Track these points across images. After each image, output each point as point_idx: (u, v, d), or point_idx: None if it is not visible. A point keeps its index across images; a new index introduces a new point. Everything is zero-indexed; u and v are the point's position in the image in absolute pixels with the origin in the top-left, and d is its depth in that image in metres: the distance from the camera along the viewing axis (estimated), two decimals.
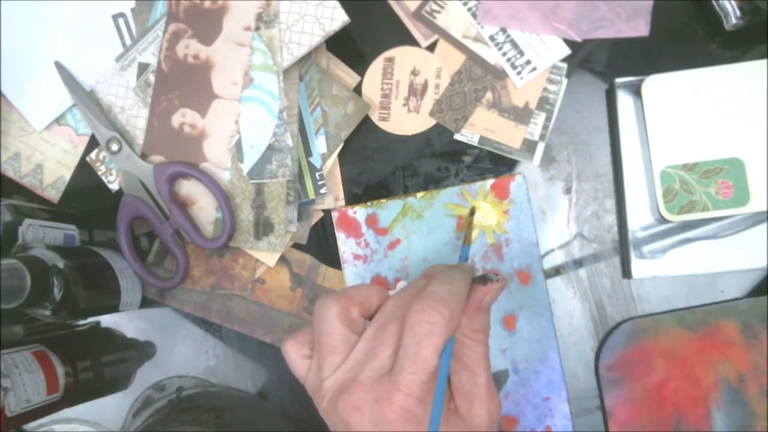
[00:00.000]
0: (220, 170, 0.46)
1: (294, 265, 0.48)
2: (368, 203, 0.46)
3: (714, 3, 0.45)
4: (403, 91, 0.48)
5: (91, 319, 0.50)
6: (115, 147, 0.47)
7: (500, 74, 0.47)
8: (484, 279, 0.32)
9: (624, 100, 0.46)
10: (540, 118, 0.47)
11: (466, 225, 0.44)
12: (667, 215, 0.44)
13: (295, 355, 0.33)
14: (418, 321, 0.29)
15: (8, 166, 0.51)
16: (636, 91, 0.45)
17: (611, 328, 0.46)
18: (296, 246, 0.48)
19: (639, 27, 0.46)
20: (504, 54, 0.47)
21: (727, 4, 0.44)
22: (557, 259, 0.47)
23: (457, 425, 0.31)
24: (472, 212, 0.45)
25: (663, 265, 0.45)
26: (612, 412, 0.44)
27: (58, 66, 0.49)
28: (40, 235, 0.44)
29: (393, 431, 0.28)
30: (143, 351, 0.50)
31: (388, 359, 0.30)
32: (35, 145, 0.51)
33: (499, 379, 0.45)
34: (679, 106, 0.44)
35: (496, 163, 0.48)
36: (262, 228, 0.46)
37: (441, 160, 0.48)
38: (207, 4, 0.46)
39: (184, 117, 0.47)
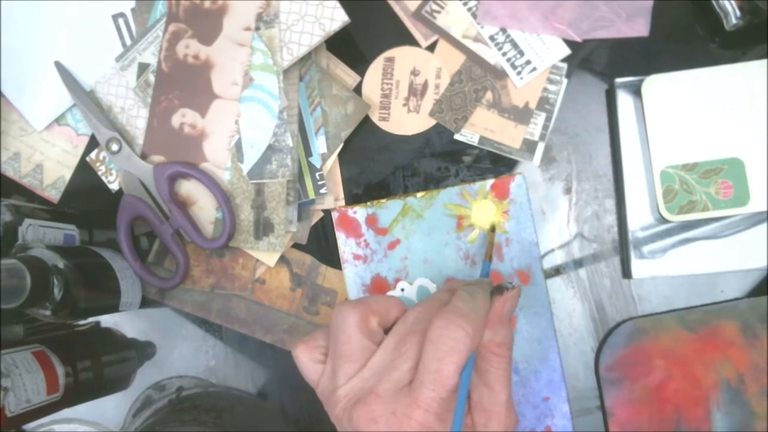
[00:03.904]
0: (220, 170, 0.46)
1: (294, 265, 0.48)
2: (368, 203, 0.46)
3: (714, 3, 0.45)
4: (403, 91, 0.48)
5: (91, 319, 0.50)
6: (115, 147, 0.47)
7: (500, 74, 0.47)
8: (500, 289, 0.32)
9: (624, 100, 0.46)
10: (540, 118, 0.47)
11: (487, 242, 0.44)
12: (667, 215, 0.44)
13: (307, 359, 0.33)
14: (441, 336, 0.29)
15: (8, 166, 0.51)
16: (636, 91, 0.45)
17: (611, 328, 0.46)
18: (296, 246, 0.48)
19: (639, 27, 0.46)
20: (504, 54, 0.47)
21: (727, 4, 0.44)
22: (557, 259, 0.47)
23: None
24: (493, 229, 0.45)
25: (663, 265, 0.45)
26: (612, 412, 0.44)
27: (58, 66, 0.49)
28: (40, 235, 0.44)
29: None
30: (143, 351, 0.50)
31: (407, 372, 0.29)
32: (35, 145, 0.51)
33: None
34: (679, 106, 0.44)
35: (496, 163, 0.48)
36: (262, 228, 0.46)
37: (441, 160, 0.48)
38: (207, 4, 0.46)
39: (184, 117, 0.47)
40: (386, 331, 0.33)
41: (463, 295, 0.31)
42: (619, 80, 0.46)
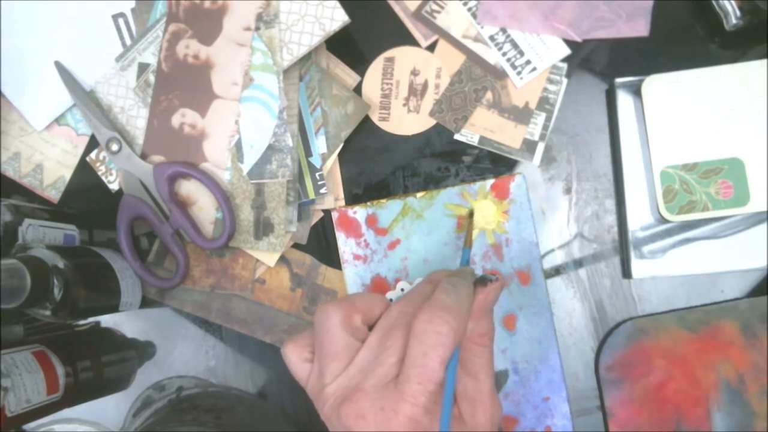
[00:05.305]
0: (220, 170, 0.46)
1: (294, 265, 0.48)
2: (368, 203, 0.46)
3: (714, 3, 0.45)
4: (403, 91, 0.48)
5: (91, 319, 0.50)
6: (115, 147, 0.47)
7: (500, 74, 0.47)
8: (483, 281, 0.33)
9: (624, 100, 0.46)
10: (540, 118, 0.47)
11: (465, 227, 0.44)
12: (667, 215, 0.44)
13: (296, 358, 0.33)
14: (426, 330, 0.29)
15: (8, 166, 0.51)
16: (636, 91, 0.45)
17: (611, 328, 0.46)
18: (296, 246, 0.48)
19: (639, 27, 0.46)
20: (504, 54, 0.47)
21: (727, 4, 0.44)
22: (557, 259, 0.47)
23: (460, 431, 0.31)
24: (471, 214, 0.45)
25: (663, 265, 0.45)
26: (612, 412, 0.44)
27: (58, 66, 0.49)
28: (40, 235, 0.44)
29: None
30: (143, 351, 0.50)
31: (392, 367, 0.30)
32: (35, 145, 0.51)
33: (498, 380, 0.45)
34: (679, 106, 0.44)
35: (496, 163, 0.48)
36: (262, 228, 0.46)
37: (441, 160, 0.48)
38: (207, 4, 0.46)
39: (184, 117, 0.47)
40: (371, 327, 0.33)
41: (446, 287, 0.31)
42: (619, 80, 0.46)
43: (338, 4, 0.44)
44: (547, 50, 0.47)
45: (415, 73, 0.48)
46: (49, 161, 0.51)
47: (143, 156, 0.47)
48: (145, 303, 0.49)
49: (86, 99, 0.48)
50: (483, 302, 0.32)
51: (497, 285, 0.33)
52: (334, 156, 0.47)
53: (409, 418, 0.28)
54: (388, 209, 0.46)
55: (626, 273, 0.46)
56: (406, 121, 0.48)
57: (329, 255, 0.48)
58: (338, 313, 0.32)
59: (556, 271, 0.47)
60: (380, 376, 0.29)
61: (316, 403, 0.32)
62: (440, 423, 0.28)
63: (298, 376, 0.33)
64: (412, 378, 0.28)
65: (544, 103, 0.47)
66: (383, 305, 0.34)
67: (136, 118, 0.48)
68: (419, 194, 0.46)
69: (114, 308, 0.46)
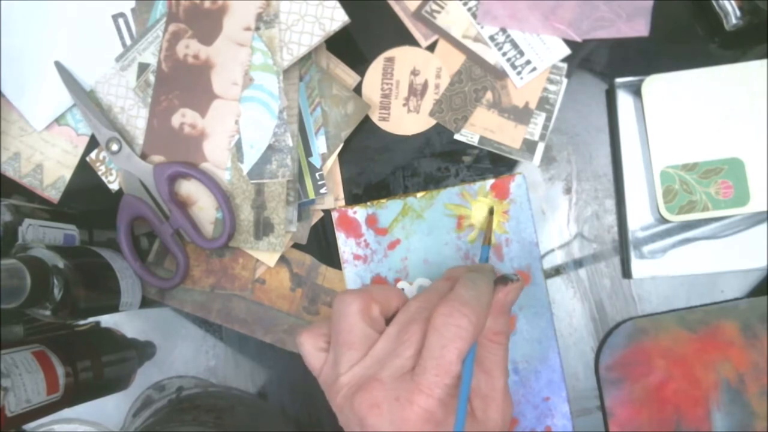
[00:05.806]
0: (220, 170, 0.46)
1: (294, 265, 0.48)
2: (368, 203, 0.46)
3: (714, 3, 0.45)
4: (403, 91, 0.48)
5: (91, 319, 0.50)
6: (115, 147, 0.47)
7: (500, 74, 0.47)
8: (504, 280, 0.33)
9: (624, 100, 0.46)
10: (540, 118, 0.47)
11: (485, 225, 0.44)
12: (667, 215, 0.44)
13: (311, 347, 0.33)
14: (445, 324, 0.29)
15: (8, 166, 0.51)
16: (636, 91, 0.45)
17: (611, 328, 0.46)
18: (296, 246, 0.48)
19: (639, 27, 0.46)
20: (504, 54, 0.47)
21: (727, 4, 0.44)
22: (557, 259, 0.47)
23: (472, 427, 0.31)
24: (491, 212, 0.45)
25: (663, 265, 0.45)
26: (612, 412, 0.44)
27: (58, 66, 0.49)
28: (40, 235, 0.44)
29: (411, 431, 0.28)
30: (143, 351, 0.50)
31: (409, 359, 0.30)
32: (35, 145, 0.51)
33: None
34: (679, 106, 0.44)
35: (496, 163, 0.48)
36: (262, 228, 0.46)
37: (441, 160, 0.48)
38: (207, 4, 0.46)
39: (184, 117, 0.47)
40: (387, 321, 0.33)
41: (467, 282, 0.32)
42: (619, 80, 0.46)
43: (338, 4, 0.44)
44: (547, 50, 0.47)
45: (415, 73, 0.48)
46: (49, 161, 0.51)
47: (143, 156, 0.47)
48: (145, 303, 0.49)
49: (86, 99, 0.48)
50: (502, 301, 0.32)
51: (518, 285, 0.33)
52: (334, 156, 0.47)
53: (423, 410, 0.28)
54: (388, 209, 0.46)
55: (626, 273, 0.46)
56: (406, 121, 0.48)
57: (329, 255, 0.48)
58: (357, 302, 0.32)
59: (556, 271, 0.47)
60: (397, 367, 0.29)
61: (329, 393, 0.32)
62: (456, 417, 0.28)
63: (311, 366, 0.33)
64: (429, 370, 0.28)
65: (544, 103, 0.47)
66: (400, 299, 0.34)
67: (136, 118, 0.48)
68: (419, 194, 0.46)
69: (114, 308, 0.46)
